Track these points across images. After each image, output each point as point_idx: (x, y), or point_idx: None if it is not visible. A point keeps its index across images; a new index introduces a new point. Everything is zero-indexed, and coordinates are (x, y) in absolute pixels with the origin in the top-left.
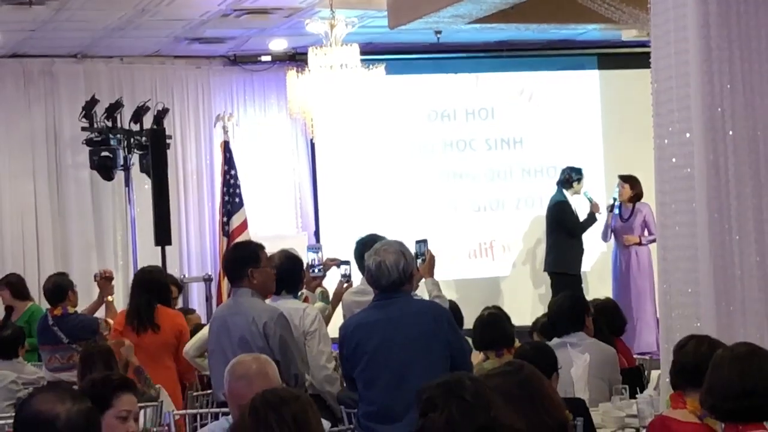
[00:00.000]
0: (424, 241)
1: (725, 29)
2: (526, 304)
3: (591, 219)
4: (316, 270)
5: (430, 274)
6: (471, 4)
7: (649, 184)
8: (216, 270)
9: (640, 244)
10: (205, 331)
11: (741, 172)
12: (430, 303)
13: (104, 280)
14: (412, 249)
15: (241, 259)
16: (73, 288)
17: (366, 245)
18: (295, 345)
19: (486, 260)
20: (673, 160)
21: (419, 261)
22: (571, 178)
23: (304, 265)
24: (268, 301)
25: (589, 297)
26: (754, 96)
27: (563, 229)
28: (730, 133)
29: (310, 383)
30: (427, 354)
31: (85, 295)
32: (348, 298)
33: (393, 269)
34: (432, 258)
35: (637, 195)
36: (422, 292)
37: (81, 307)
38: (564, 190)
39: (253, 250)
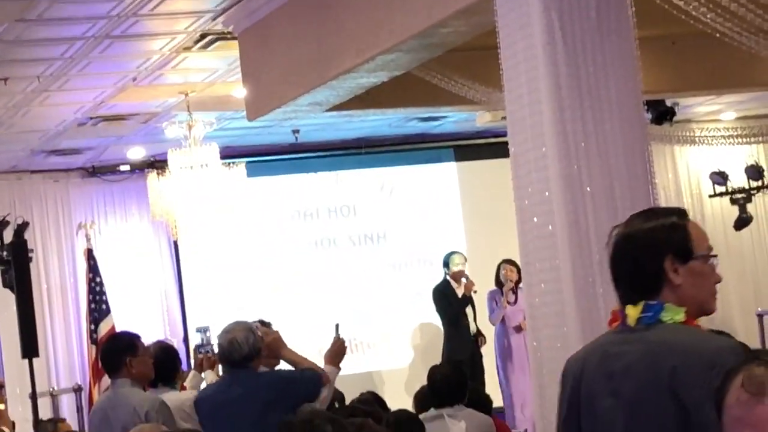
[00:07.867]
0: (337, 326)
1: (576, 90)
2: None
3: (463, 301)
4: (203, 350)
5: (332, 361)
6: (327, 90)
7: None
8: (86, 380)
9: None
10: None
11: (600, 225)
12: (272, 375)
13: None
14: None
15: (118, 349)
16: None
17: None
18: None
19: (357, 355)
20: (535, 219)
21: None
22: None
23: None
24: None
25: None
26: (608, 151)
27: (442, 316)
28: (588, 189)
29: None
30: (267, 426)
31: None
32: None
33: (244, 344)
34: (340, 346)
35: (520, 278)
36: None
37: None
38: (447, 275)
39: (130, 339)
